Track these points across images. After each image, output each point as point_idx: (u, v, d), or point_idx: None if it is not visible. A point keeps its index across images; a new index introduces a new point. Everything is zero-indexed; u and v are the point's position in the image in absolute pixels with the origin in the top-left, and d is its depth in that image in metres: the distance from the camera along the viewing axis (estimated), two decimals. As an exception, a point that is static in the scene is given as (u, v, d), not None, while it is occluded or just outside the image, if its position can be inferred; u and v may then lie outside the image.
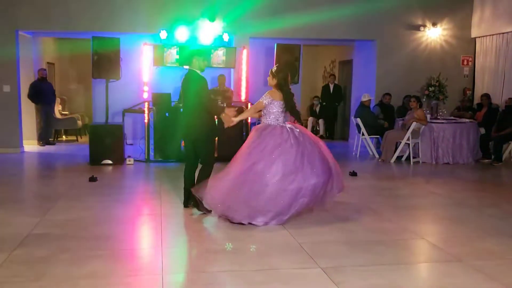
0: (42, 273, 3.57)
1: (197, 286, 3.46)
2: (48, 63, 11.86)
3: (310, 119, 13.16)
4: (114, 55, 8.34)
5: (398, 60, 10.71)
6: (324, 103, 12.88)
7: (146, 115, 8.66)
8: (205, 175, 5.26)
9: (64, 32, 10.31)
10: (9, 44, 9.37)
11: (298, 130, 5.07)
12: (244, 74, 9.75)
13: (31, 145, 10.41)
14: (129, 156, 8.47)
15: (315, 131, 13.12)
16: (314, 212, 5.15)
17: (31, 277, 3.51)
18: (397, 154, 9.01)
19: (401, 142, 8.91)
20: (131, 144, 9.46)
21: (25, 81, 10.20)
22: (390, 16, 10.59)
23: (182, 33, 9.37)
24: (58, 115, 11.36)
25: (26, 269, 3.65)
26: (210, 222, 5.15)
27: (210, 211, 5.15)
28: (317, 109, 13.09)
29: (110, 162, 8.26)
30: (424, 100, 10.20)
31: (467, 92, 10.95)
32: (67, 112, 12.03)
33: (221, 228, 4.88)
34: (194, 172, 5.49)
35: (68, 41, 12.07)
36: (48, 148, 10.46)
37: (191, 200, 5.44)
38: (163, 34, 9.24)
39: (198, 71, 5.37)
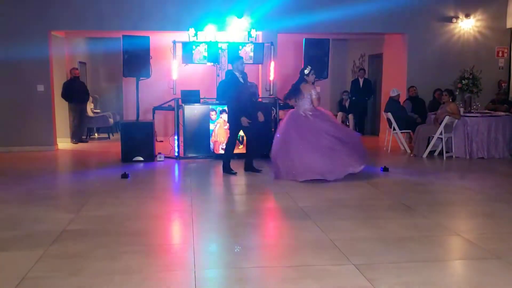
0: (78, 268, 3.64)
1: (230, 282, 3.47)
2: (80, 62, 12.09)
3: (340, 114, 13.02)
4: (144, 54, 8.44)
5: (429, 53, 10.50)
6: (353, 98, 12.72)
7: (175, 112, 8.73)
8: (231, 148, 7.33)
9: (96, 31, 10.49)
10: (42, 45, 9.58)
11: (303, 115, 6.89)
12: (272, 69, 9.70)
13: (64, 143, 10.65)
14: (159, 153, 8.57)
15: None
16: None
17: (67, 272, 3.58)
18: (429, 148, 8.82)
19: (433, 136, 8.73)
20: (161, 141, 9.55)
21: (58, 80, 10.43)
22: (421, 8, 10.38)
23: (210, 31, 9.40)
24: (90, 113, 11.58)
25: (62, 264, 3.73)
26: (241, 218, 5.18)
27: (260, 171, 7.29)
28: (347, 104, 12.94)
29: (141, 159, 8.38)
30: (457, 93, 9.96)
31: (503, 84, 10.64)
32: (99, 110, 12.24)
33: (253, 224, 4.90)
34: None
35: (99, 41, 12.27)
36: (81, 146, 10.69)
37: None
38: (192, 32, 9.29)
39: (237, 73, 7.13)
